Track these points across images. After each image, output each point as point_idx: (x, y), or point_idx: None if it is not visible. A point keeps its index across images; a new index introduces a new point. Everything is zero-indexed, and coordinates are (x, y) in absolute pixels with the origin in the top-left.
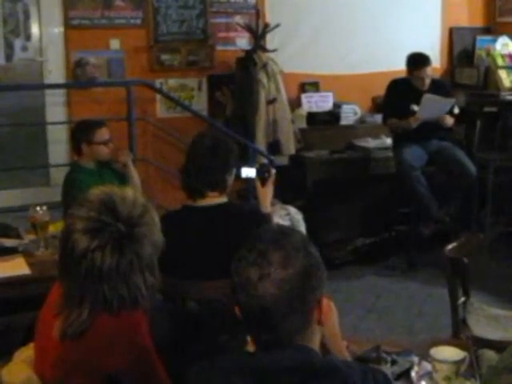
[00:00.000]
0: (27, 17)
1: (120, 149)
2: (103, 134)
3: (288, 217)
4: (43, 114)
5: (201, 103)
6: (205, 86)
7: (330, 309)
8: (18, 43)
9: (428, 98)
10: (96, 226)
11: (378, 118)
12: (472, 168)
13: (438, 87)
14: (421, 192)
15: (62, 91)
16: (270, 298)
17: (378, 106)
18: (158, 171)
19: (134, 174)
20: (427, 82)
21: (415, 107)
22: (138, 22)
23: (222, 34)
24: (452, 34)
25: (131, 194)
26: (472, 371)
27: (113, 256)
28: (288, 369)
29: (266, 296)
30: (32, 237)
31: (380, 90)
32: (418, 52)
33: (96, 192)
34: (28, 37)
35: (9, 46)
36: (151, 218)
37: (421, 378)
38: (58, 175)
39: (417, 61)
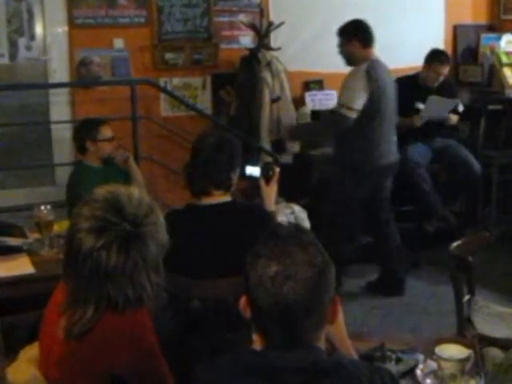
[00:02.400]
0: (31, 16)
1: (117, 149)
2: (107, 131)
3: (292, 215)
4: (47, 113)
5: (205, 102)
6: (209, 85)
7: (339, 308)
8: (22, 42)
9: (433, 99)
10: (102, 225)
11: None
12: (476, 166)
13: (444, 86)
14: (425, 190)
15: (66, 90)
16: (295, 297)
17: None
18: (163, 170)
19: (137, 172)
20: (440, 79)
21: (420, 105)
22: (142, 20)
23: (225, 33)
24: (456, 32)
25: (137, 193)
26: (477, 369)
27: (118, 255)
28: (296, 369)
29: (290, 295)
30: (36, 236)
31: None
32: (442, 49)
33: (101, 191)
34: (32, 36)
35: (13, 45)
36: (156, 218)
37: (426, 376)
38: (63, 174)
39: (442, 56)
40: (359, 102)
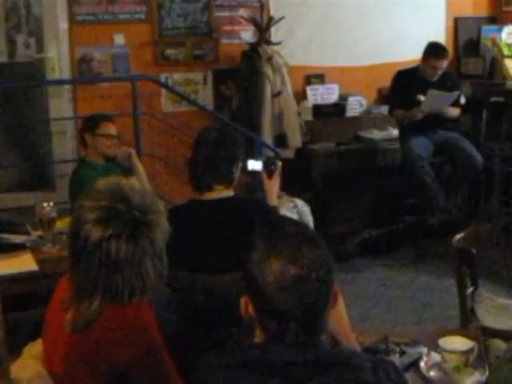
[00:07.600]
0: (30, 12)
1: (119, 146)
2: (108, 127)
3: (295, 209)
4: (47, 110)
5: (206, 97)
6: (210, 80)
7: (338, 299)
8: (20, 39)
9: (433, 93)
10: (109, 215)
11: (384, 109)
12: (479, 158)
13: (445, 79)
14: (428, 182)
15: (67, 87)
16: (317, 297)
17: (383, 97)
18: (165, 165)
19: (140, 168)
20: (439, 73)
21: (421, 97)
22: (143, 16)
23: (226, 28)
24: (457, 24)
25: (138, 184)
26: (481, 361)
27: (128, 244)
28: (300, 362)
29: (313, 295)
30: (39, 233)
31: (385, 81)
32: (440, 43)
33: (104, 182)
34: (31, 33)
35: (11, 43)
36: (159, 206)
37: (430, 368)
38: (64, 172)
39: (438, 50)
40: None
